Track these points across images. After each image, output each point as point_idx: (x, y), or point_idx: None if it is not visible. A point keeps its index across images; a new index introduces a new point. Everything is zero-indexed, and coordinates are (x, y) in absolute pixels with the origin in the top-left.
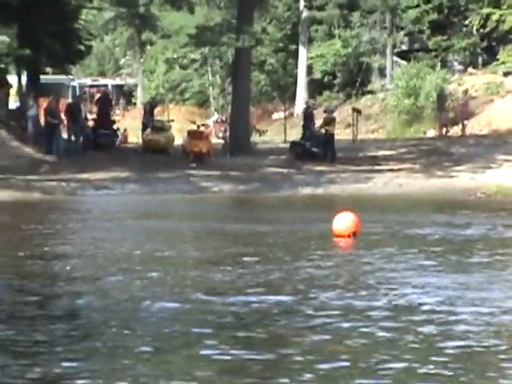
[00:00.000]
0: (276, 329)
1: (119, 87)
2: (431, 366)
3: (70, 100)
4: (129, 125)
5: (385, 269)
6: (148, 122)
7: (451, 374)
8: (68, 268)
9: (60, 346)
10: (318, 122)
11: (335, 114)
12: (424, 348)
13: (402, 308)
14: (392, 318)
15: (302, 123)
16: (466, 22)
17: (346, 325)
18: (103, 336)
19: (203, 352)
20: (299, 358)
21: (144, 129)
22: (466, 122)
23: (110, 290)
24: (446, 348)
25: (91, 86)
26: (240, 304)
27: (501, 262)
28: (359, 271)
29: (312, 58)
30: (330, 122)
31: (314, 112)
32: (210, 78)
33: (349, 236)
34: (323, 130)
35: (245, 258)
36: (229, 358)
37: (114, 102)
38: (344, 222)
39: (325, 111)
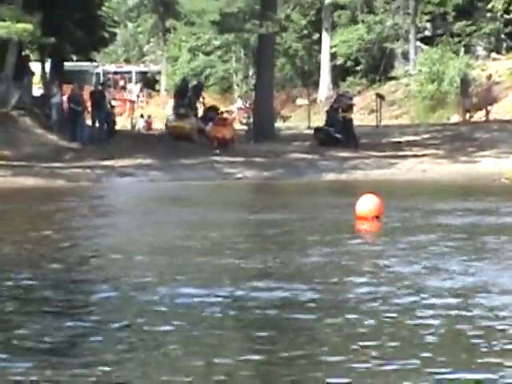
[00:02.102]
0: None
1: (143, 74)
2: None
3: (93, 87)
4: (153, 112)
5: (409, 255)
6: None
7: None
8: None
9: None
10: None
11: (356, 100)
12: None
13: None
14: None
15: (326, 109)
16: (489, 7)
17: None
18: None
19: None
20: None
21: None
22: (489, 107)
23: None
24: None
25: (115, 73)
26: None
27: None
28: (384, 258)
29: (336, 45)
30: (348, 108)
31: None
32: (234, 64)
33: (372, 219)
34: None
35: (271, 246)
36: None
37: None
38: (367, 204)
39: (341, 96)
